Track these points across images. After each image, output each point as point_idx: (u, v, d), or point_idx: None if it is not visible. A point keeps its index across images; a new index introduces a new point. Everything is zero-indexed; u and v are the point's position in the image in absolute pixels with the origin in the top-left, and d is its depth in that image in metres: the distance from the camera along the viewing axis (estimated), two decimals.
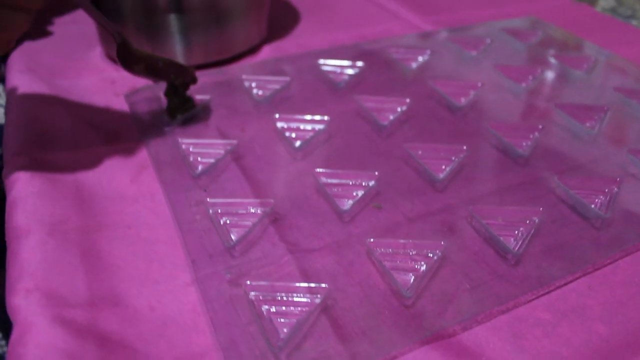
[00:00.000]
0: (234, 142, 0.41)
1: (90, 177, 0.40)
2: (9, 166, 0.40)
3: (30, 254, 0.33)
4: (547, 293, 0.32)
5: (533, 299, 0.32)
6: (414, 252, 0.33)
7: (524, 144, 0.43)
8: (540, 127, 0.44)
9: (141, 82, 0.51)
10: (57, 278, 0.31)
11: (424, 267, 0.33)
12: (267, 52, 0.57)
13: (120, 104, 0.48)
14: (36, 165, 0.40)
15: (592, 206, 0.37)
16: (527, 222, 0.36)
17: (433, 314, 0.30)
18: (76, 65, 0.54)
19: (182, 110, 0.45)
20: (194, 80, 0.46)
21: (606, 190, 0.38)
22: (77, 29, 0.61)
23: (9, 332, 0.29)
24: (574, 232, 0.36)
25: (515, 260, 0.33)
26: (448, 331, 0.29)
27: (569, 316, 0.31)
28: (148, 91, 0.49)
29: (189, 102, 0.46)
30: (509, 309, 0.31)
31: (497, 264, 0.33)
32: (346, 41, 0.59)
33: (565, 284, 0.33)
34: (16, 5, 0.33)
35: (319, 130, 0.43)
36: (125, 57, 0.41)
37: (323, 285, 0.31)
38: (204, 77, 0.51)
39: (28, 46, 0.57)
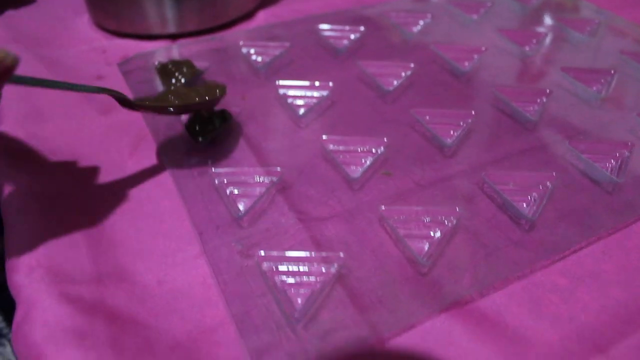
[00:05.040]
0: (236, 109, 0.40)
1: (87, 149, 0.38)
2: (2, 141, 0.38)
3: (30, 230, 0.31)
4: (563, 259, 0.32)
5: (549, 265, 0.31)
6: (428, 219, 0.32)
7: (532, 108, 0.42)
8: (548, 91, 0.43)
9: (133, 50, 0.49)
10: (60, 254, 0.30)
11: (438, 234, 0.32)
12: (262, 17, 0.55)
13: (113, 74, 0.46)
14: (31, 139, 0.38)
15: (604, 170, 0.36)
16: (540, 187, 0.35)
17: (450, 282, 0.30)
18: (64, 34, 0.52)
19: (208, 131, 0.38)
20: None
21: (617, 154, 0.38)
22: None
23: (9, 311, 0.27)
24: (586, 197, 0.35)
25: (530, 226, 0.33)
26: (466, 298, 0.29)
27: (585, 281, 0.30)
28: (142, 59, 0.47)
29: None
30: (525, 275, 0.31)
31: (511, 230, 0.33)
32: (342, 5, 0.57)
33: (580, 249, 0.32)
34: None
35: (323, 97, 0.42)
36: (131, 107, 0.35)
37: (338, 254, 0.30)
38: (199, 44, 0.49)
39: (10, 15, 0.54)
